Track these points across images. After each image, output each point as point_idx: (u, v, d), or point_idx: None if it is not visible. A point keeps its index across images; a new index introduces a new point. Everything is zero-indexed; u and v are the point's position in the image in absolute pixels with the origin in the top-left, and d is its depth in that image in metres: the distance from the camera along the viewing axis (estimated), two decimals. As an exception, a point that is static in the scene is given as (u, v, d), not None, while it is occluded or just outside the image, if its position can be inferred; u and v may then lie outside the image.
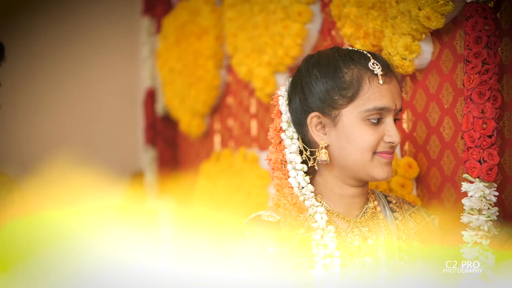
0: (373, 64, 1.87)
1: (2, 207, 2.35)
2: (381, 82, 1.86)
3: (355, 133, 1.86)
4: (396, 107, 1.88)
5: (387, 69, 1.89)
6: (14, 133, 4.05)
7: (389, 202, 2.02)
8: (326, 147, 1.89)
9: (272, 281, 1.82)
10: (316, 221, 1.86)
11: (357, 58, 1.89)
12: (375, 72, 1.86)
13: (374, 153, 1.87)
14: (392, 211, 1.99)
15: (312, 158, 1.91)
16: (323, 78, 1.88)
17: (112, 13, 4.36)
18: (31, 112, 4.05)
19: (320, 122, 1.90)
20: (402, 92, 1.94)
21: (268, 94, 2.99)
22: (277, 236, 1.84)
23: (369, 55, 1.90)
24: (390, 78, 1.88)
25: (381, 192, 2.07)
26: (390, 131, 1.87)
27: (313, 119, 1.90)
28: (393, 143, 1.87)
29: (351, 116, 1.86)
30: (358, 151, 1.86)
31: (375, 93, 1.85)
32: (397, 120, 1.91)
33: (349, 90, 1.86)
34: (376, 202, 1.98)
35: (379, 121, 1.86)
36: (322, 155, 1.89)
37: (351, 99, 1.86)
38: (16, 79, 4.03)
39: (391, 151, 1.89)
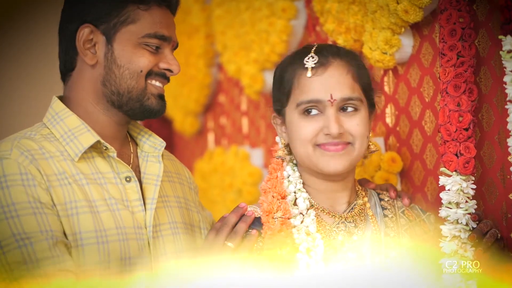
0: (308, 58, 1.89)
1: None
2: (308, 75, 1.88)
3: (294, 127, 1.91)
4: (331, 98, 1.86)
5: (325, 59, 1.88)
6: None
7: (381, 199, 2.01)
8: (287, 145, 1.97)
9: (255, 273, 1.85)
10: (297, 207, 1.90)
11: (299, 55, 1.93)
12: (305, 66, 1.88)
13: (318, 145, 1.88)
14: (383, 208, 1.99)
15: None
16: (274, 82, 1.99)
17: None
18: (25, 112, 4.07)
19: (281, 123, 1.97)
20: (355, 81, 1.89)
21: (256, 91, 2.99)
22: (259, 231, 1.89)
23: (313, 49, 1.91)
24: (323, 70, 1.88)
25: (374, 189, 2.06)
26: (326, 123, 1.87)
27: (276, 119, 1.99)
28: (330, 134, 1.86)
29: (290, 112, 1.92)
30: (299, 144, 1.90)
31: (304, 87, 1.89)
32: (353, 110, 1.87)
33: (286, 88, 1.92)
34: (366, 199, 1.98)
35: (317, 113, 1.87)
36: (279, 152, 1.98)
37: (288, 96, 1.91)
38: (13, 78, 4.05)
39: (335, 142, 1.87)
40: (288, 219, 1.88)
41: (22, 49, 4.03)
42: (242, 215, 1.92)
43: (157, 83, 1.93)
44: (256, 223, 1.90)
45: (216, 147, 3.57)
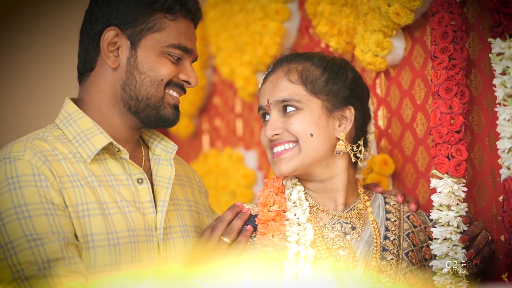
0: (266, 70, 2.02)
1: None
2: (259, 86, 2.03)
3: None
4: (268, 102, 1.95)
5: (274, 67, 1.98)
6: (15, 135, 4.06)
7: (386, 203, 2.02)
8: None
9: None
10: (291, 200, 1.94)
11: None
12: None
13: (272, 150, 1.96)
14: (387, 211, 1.99)
15: None
16: None
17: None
18: (22, 115, 4.07)
19: None
20: (295, 83, 1.93)
21: (250, 93, 2.99)
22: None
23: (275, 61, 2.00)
24: (267, 78, 1.99)
25: (381, 194, 2.07)
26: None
27: None
28: (269, 137, 1.94)
29: None
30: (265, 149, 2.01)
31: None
32: (293, 110, 1.91)
33: None
34: (368, 203, 1.99)
35: (269, 119, 1.96)
36: None
37: None
38: (13, 79, 4.05)
39: (273, 145, 1.94)
40: (284, 212, 1.92)
41: (21, 49, 4.04)
42: (238, 213, 1.94)
43: (174, 94, 1.95)
44: (252, 220, 1.94)
45: (210, 149, 3.57)
